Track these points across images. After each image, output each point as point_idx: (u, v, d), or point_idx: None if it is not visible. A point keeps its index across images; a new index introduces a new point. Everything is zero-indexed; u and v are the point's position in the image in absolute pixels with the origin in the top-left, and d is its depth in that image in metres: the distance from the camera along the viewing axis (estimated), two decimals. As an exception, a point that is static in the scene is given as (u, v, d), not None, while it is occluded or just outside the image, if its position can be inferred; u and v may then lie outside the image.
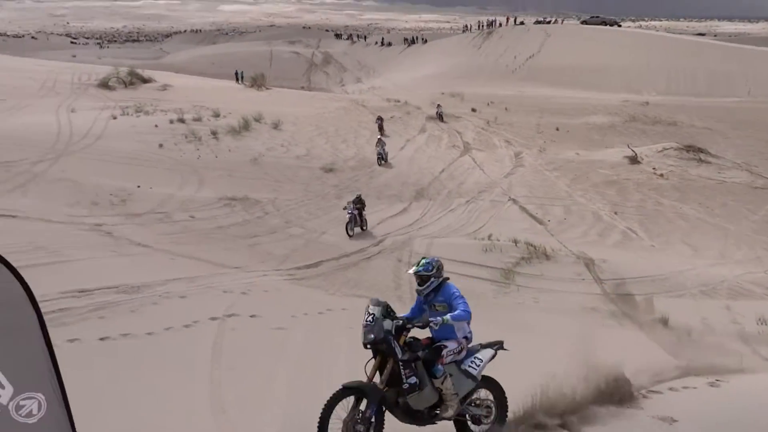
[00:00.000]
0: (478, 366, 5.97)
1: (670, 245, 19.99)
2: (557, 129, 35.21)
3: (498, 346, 6.22)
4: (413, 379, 5.59)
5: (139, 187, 19.67)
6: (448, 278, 6.02)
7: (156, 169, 21.97)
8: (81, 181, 19.33)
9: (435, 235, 18.97)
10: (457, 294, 5.83)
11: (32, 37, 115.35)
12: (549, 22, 75.90)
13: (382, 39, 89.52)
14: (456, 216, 21.59)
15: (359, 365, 5.69)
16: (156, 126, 26.20)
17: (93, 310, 9.07)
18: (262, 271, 14.19)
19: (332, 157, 26.43)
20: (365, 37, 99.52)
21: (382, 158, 26.58)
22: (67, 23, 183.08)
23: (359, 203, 19.05)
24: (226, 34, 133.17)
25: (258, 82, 40.98)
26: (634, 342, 11.23)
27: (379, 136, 28.87)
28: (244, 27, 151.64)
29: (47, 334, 2.49)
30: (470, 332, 6.03)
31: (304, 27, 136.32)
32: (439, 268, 5.93)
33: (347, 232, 18.28)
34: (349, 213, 18.59)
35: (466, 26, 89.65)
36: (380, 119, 32.39)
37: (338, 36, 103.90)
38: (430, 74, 59.52)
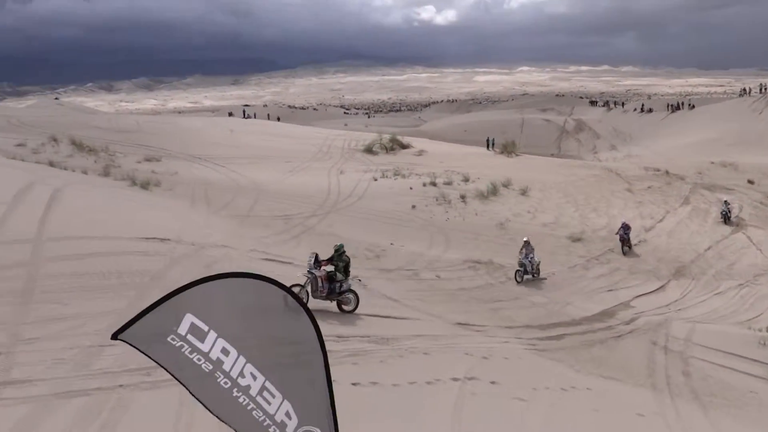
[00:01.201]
0: None
1: None
2: None
3: None
4: None
5: (392, 244, 21.08)
6: None
7: (408, 228, 23.39)
8: (343, 235, 21.37)
9: (697, 320, 16.92)
10: None
11: (314, 109, 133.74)
12: None
13: (642, 105, 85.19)
14: (724, 300, 19.11)
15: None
16: (410, 188, 28.07)
17: (348, 355, 9.81)
18: (503, 336, 14.02)
19: (581, 226, 25.43)
20: (623, 103, 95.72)
21: (524, 271, 19.17)
22: (343, 96, 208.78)
23: (335, 261, 12.98)
24: (480, 102, 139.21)
25: (508, 149, 41.61)
26: None
27: (525, 239, 20.28)
28: (497, 96, 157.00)
29: (329, 373, 2.76)
30: None
31: (557, 95, 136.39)
32: None
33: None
34: (307, 274, 12.87)
35: (744, 89, 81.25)
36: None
37: (593, 103, 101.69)
38: (697, 142, 54.54)
